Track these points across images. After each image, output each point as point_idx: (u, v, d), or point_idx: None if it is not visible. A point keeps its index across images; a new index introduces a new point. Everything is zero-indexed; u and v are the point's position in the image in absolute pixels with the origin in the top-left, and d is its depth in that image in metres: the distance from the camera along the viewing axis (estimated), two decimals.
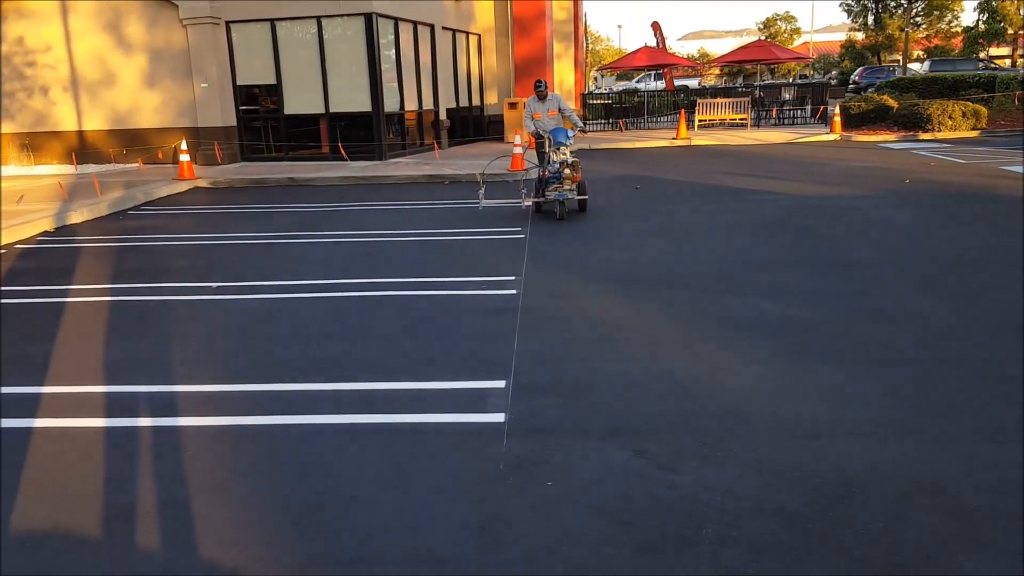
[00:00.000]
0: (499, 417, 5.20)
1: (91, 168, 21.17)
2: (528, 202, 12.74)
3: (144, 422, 5.37)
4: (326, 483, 4.46)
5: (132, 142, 21.61)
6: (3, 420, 5.48)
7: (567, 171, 12.04)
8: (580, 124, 13.90)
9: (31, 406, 5.70)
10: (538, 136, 13.26)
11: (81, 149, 21.93)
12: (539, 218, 12.35)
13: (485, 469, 4.54)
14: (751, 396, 5.42)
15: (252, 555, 3.79)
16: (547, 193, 12.28)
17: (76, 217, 13.99)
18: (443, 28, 23.83)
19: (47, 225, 13.27)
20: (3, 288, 9.22)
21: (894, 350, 6.22)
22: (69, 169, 21.39)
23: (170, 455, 4.89)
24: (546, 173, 12.39)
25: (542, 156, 13.10)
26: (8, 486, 4.57)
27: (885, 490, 4.14)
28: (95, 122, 21.86)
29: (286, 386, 5.90)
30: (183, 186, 17.81)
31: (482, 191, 13.12)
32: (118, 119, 21.68)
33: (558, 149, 12.26)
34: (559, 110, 13.42)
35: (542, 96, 13.29)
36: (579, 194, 12.42)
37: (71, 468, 4.77)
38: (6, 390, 6.03)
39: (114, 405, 5.68)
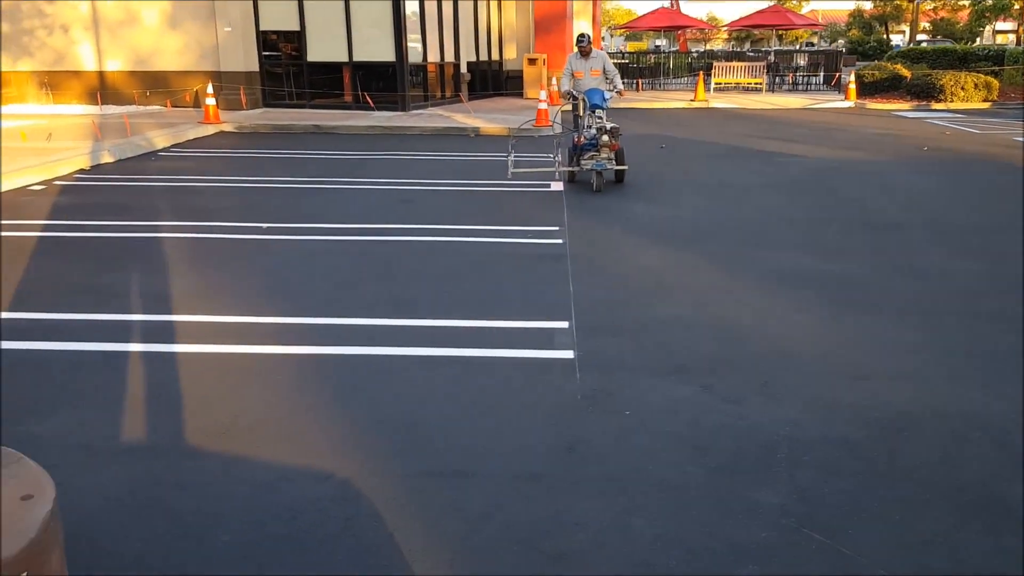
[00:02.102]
0: (568, 354, 5.53)
1: (112, 109, 21.30)
2: (561, 170, 11.85)
3: (229, 349, 5.69)
4: (415, 407, 4.79)
5: (152, 84, 21.70)
6: (107, 344, 5.80)
7: (605, 138, 10.90)
8: (620, 86, 12.50)
9: (113, 332, 6.02)
10: (572, 97, 12.03)
11: (101, 89, 22.03)
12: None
13: (562, 399, 4.88)
14: (800, 341, 5.77)
15: (363, 467, 4.13)
16: (582, 162, 11.28)
17: (109, 156, 14.21)
18: None
19: (83, 163, 13.49)
20: (55, 222, 9.49)
21: (930, 303, 6.58)
22: (92, 109, 21.50)
23: (260, 379, 5.21)
24: (581, 139, 11.29)
25: (576, 120, 11.91)
26: (105, 403, 4.89)
27: (937, 425, 4.51)
28: (116, 63, 21.94)
29: (358, 320, 6.22)
30: (209, 129, 18.00)
31: (511, 157, 11.65)
32: (139, 60, 21.76)
33: (593, 112, 11.26)
34: (603, 70, 12.09)
35: (585, 52, 11.92)
36: (618, 163, 11.35)
37: (167, 388, 5.09)
38: (91, 316, 6.35)
39: (197, 332, 6.01)
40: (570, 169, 11.65)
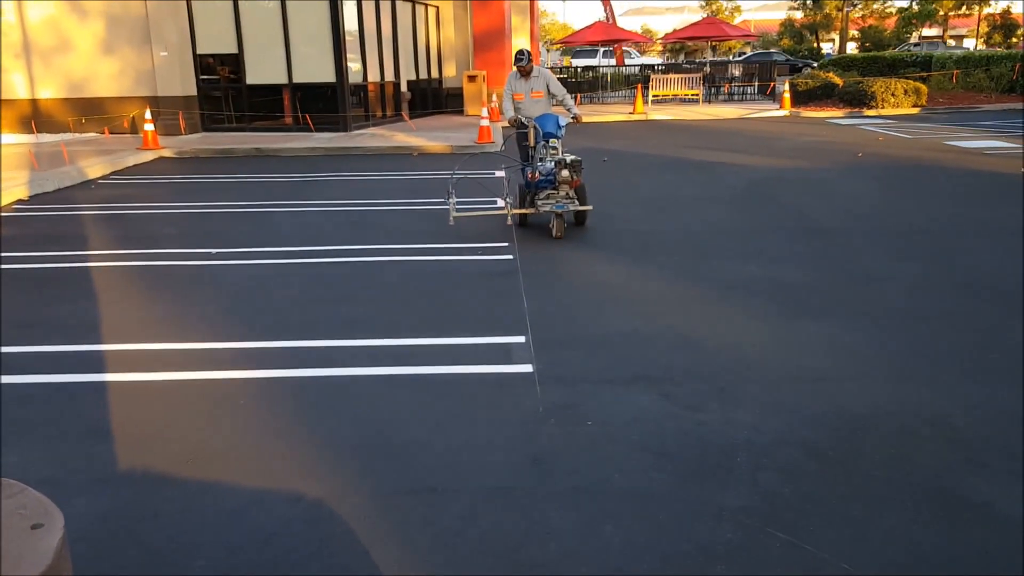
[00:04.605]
0: (527, 368, 5.61)
1: (48, 137, 20.95)
2: (512, 213, 9.77)
3: (187, 376, 5.67)
4: (379, 427, 4.83)
5: (88, 111, 21.34)
6: (62, 375, 5.76)
7: (564, 172, 9.06)
8: (574, 110, 10.60)
9: (68, 363, 5.97)
10: (520, 125, 10.35)
11: (34, 118, 21.64)
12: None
13: (525, 413, 4.96)
14: (754, 348, 5.92)
15: (333, 488, 4.16)
16: (538, 202, 9.41)
17: (48, 186, 13.99)
18: None
19: (21, 193, 13.26)
20: (1, 255, 9.36)
21: (877, 306, 6.77)
22: (27, 138, 21.12)
23: (222, 405, 5.21)
24: (535, 175, 9.38)
25: (526, 151, 10.35)
26: (65, 435, 4.87)
27: (891, 425, 4.67)
28: (49, 90, 21.56)
29: (316, 343, 6.24)
30: (148, 156, 17.79)
31: (452, 200, 9.78)
32: (73, 87, 21.37)
33: (547, 142, 9.60)
34: (547, 90, 10.52)
35: (525, 72, 10.36)
36: (580, 203, 9.50)
37: (128, 418, 5.07)
38: (43, 348, 6.28)
39: (154, 360, 5.98)
40: (523, 212, 9.81)
